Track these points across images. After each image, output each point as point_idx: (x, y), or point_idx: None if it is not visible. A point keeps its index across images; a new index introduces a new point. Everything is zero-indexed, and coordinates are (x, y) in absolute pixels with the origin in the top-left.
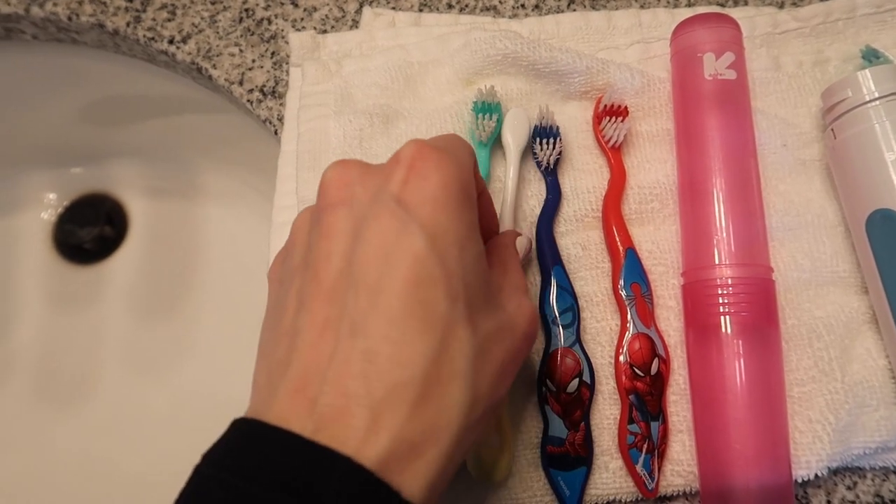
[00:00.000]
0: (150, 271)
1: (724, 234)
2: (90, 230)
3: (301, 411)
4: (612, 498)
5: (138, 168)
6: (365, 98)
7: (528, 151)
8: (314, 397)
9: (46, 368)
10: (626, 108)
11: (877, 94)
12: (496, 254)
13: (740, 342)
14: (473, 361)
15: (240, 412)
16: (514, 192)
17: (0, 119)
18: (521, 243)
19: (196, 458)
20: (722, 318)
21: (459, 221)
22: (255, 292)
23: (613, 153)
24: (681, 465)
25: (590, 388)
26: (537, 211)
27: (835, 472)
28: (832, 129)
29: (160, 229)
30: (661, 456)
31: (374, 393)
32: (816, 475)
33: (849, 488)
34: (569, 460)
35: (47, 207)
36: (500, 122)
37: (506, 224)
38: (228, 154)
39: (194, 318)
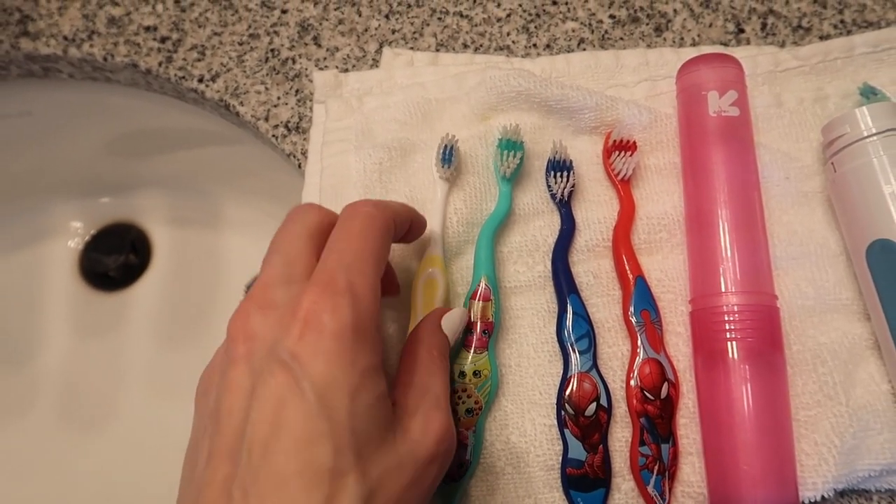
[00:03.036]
0: (172, 299)
1: (730, 263)
2: (115, 258)
3: None
4: None
5: (163, 198)
6: (384, 133)
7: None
8: None
9: (70, 393)
10: (634, 142)
11: (874, 130)
12: (411, 356)
13: (746, 367)
14: None
15: None
16: (443, 218)
17: (33, 151)
18: (450, 321)
19: None
20: (728, 343)
21: (352, 370)
22: None
23: (623, 186)
24: (691, 487)
25: (607, 411)
26: (550, 241)
27: (841, 494)
28: (832, 163)
29: (183, 258)
30: (672, 477)
31: None
32: (823, 497)
33: None
34: (588, 482)
35: (74, 236)
36: (523, 159)
37: (434, 247)
38: (249, 185)
39: (215, 344)
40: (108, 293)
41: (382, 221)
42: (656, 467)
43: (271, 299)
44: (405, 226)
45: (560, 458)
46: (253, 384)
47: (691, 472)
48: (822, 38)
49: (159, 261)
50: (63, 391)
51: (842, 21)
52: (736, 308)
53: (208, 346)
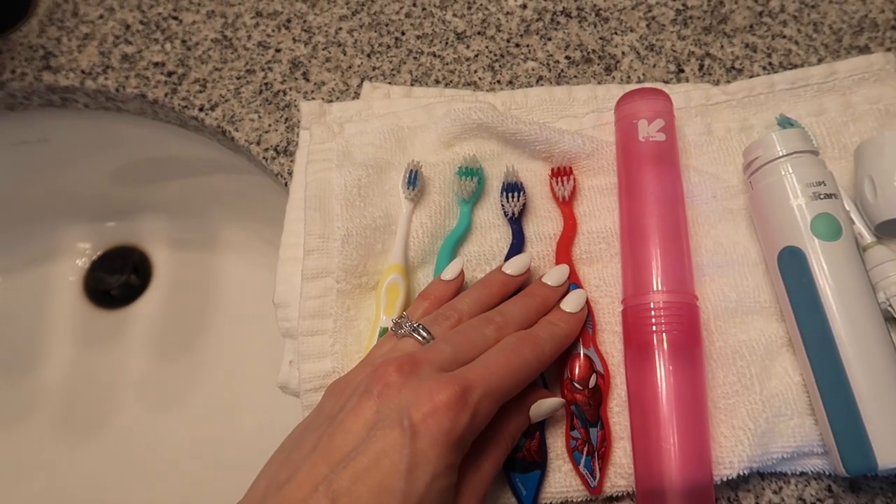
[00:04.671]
0: (169, 316)
1: (656, 268)
2: (118, 278)
3: None
4: (565, 497)
5: (165, 222)
6: (362, 154)
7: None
8: None
9: (70, 403)
10: (570, 168)
11: (784, 152)
12: (487, 435)
13: (669, 357)
14: None
15: (245, 445)
16: (406, 232)
17: (49, 177)
18: (542, 409)
19: (204, 487)
20: (654, 336)
21: (442, 461)
22: (264, 336)
23: (564, 206)
24: (622, 469)
25: None
26: (505, 251)
27: (762, 477)
28: (750, 182)
29: (181, 278)
30: (603, 458)
31: None
32: (744, 478)
33: (775, 492)
34: (525, 464)
35: (81, 256)
36: (480, 182)
37: (395, 256)
38: (245, 210)
39: (207, 359)
40: (109, 311)
41: (538, 369)
42: (585, 448)
43: (421, 371)
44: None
45: None
46: (375, 422)
47: (623, 454)
48: (752, 77)
49: (159, 281)
50: (62, 401)
51: (770, 63)
52: (661, 305)
53: (200, 361)
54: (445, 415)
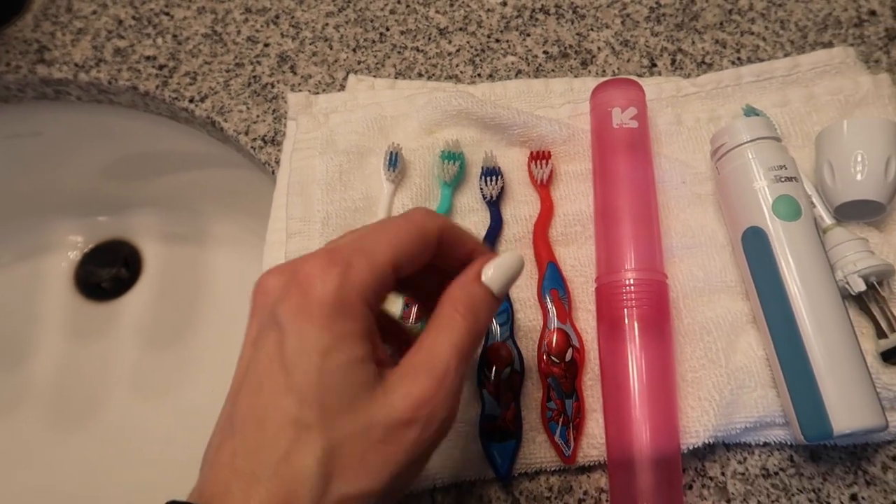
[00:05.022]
0: (159, 309)
1: (628, 248)
2: (108, 271)
3: (196, 491)
4: (539, 467)
5: (155, 217)
6: (345, 142)
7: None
8: (204, 479)
9: (61, 393)
10: (549, 153)
11: (747, 139)
12: (435, 312)
13: (639, 332)
14: (325, 462)
15: None
16: (387, 212)
17: (42, 170)
18: (497, 268)
19: (194, 477)
20: (625, 310)
21: (328, 332)
22: None
23: (542, 188)
24: (595, 439)
25: (520, 374)
26: (483, 234)
27: (728, 448)
28: (717, 167)
29: (170, 271)
30: (577, 429)
31: (232, 482)
32: (710, 449)
33: (740, 462)
34: (501, 434)
35: (73, 249)
36: (462, 167)
37: None
38: (234, 204)
39: (197, 351)
40: (99, 303)
41: (433, 230)
42: (561, 419)
43: (294, 265)
44: (453, 242)
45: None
46: (257, 337)
47: (595, 426)
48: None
49: (148, 275)
50: (53, 391)
51: (739, 58)
52: (632, 282)
53: (189, 352)
54: (310, 285)
